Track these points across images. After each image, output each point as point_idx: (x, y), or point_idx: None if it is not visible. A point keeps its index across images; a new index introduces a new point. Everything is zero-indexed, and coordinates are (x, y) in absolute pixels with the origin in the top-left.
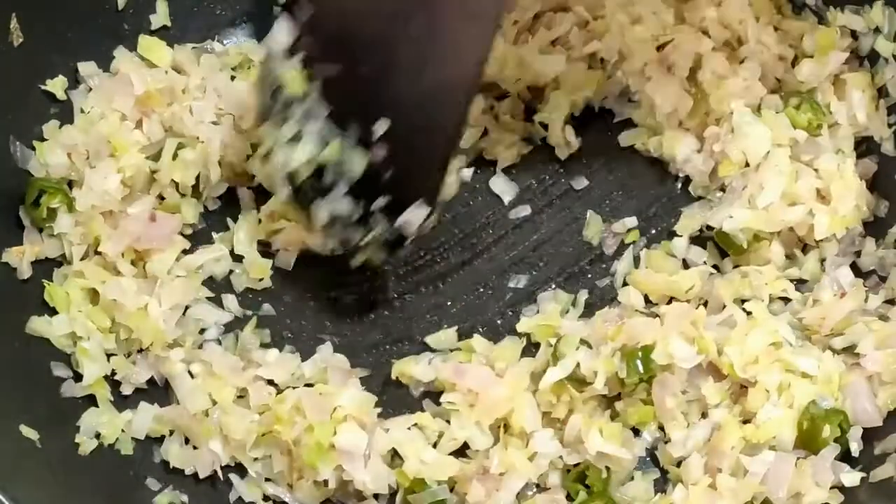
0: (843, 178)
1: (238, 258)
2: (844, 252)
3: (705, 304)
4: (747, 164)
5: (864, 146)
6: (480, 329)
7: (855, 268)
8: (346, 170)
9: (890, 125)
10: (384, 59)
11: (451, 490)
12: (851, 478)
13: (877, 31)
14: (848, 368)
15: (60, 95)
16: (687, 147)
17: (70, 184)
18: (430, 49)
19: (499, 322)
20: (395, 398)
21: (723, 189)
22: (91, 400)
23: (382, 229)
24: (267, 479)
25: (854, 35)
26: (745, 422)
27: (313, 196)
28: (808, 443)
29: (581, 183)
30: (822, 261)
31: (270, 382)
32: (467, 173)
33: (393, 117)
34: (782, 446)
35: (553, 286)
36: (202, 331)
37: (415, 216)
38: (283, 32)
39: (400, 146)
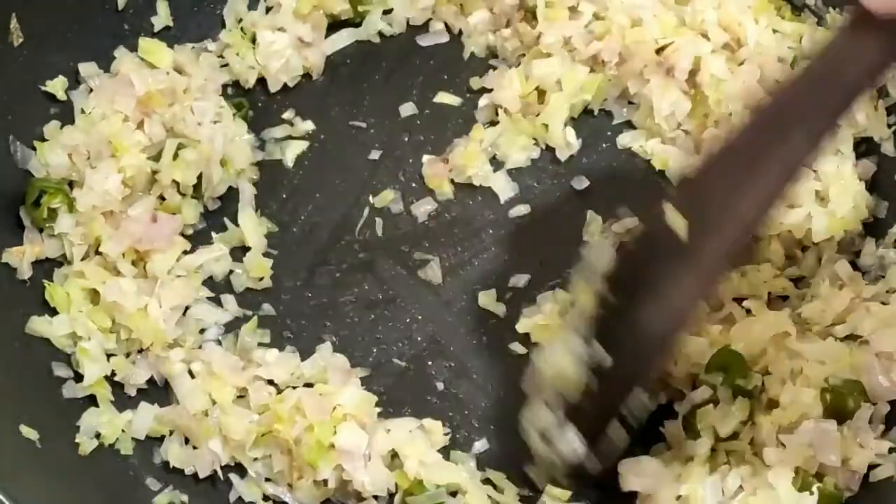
0: (842, 180)
1: (238, 258)
2: (844, 251)
3: None
4: None
5: (864, 147)
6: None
7: (854, 267)
8: (570, 390)
9: (889, 125)
10: (634, 300)
11: (454, 495)
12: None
13: None
14: (856, 348)
15: (61, 96)
16: (677, 160)
17: (71, 184)
18: (655, 290)
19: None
20: (396, 398)
21: None
22: (91, 400)
23: (554, 455)
24: (267, 479)
25: None
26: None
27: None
28: (836, 413)
29: (581, 183)
30: (821, 258)
31: (270, 382)
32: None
33: (613, 357)
34: None
35: (553, 286)
36: (202, 331)
37: (569, 441)
38: (604, 258)
39: (602, 383)
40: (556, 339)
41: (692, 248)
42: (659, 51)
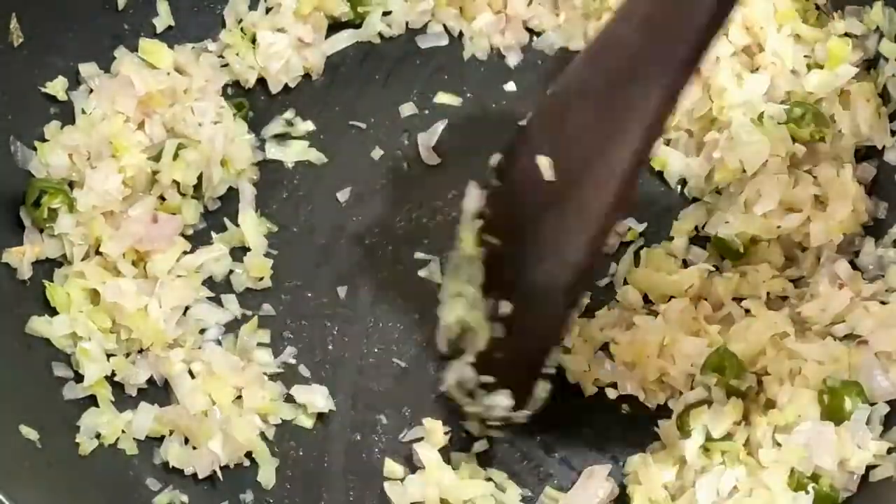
0: (842, 185)
1: (238, 258)
2: (843, 251)
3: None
4: (744, 171)
5: (864, 150)
6: None
7: (854, 266)
8: (476, 340)
9: (893, 132)
10: (522, 246)
11: None
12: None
13: (877, 31)
14: (855, 348)
15: (61, 96)
16: (677, 161)
17: (71, 184)
18: (549, 243)
19: None
20: (396, 398)
21: (719, 192)
22: (91, 400)
23: (480, 407)
24: None
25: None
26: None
27: (451, 354)
28: (833, 415)
29: None
30: (819, 258)
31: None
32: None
33: (514, 303)
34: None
35: None
36: (202, 331)
37: (499, 402)
38: (472, 198)
39: (510, 333)
40: (450, 291)
41: (568, 197)
42: None
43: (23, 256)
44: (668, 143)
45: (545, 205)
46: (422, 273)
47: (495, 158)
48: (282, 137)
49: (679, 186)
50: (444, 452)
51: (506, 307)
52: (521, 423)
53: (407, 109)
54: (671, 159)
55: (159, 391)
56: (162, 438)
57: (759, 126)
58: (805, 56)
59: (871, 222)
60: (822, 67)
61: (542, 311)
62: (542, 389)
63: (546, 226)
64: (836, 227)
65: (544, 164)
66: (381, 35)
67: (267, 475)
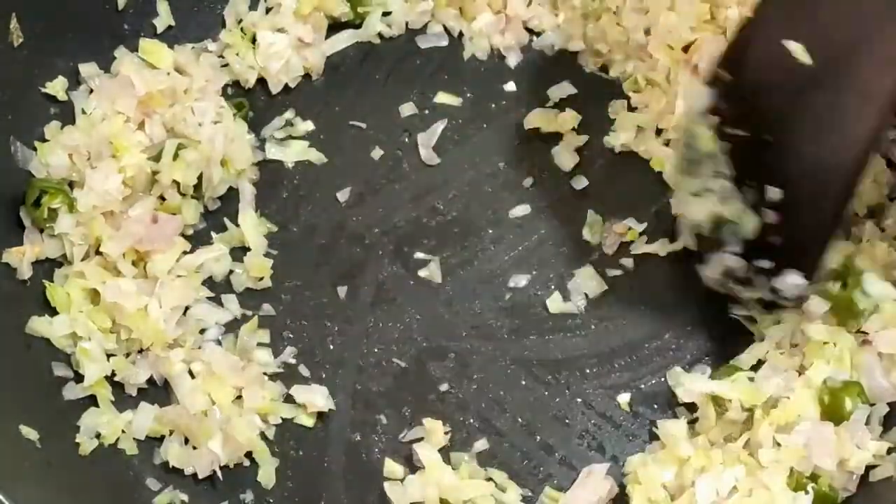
0: None
1: (238, 258)
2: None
3: None
4: None
5: None
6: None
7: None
8: (740, 230)
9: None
10: (785, 130)
11: None
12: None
13: None
14: (859, 346)
15: (61, 96)
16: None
17: (71, 184)
18: (825, 124)
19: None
20: (396, 398)
21: None
22: (91, 400)
23: (762, 291)
24: None
25: None
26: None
27: (710, 248)
28: (833, 415)
29: (581, 183)
30: None
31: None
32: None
33: (785, 187)
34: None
35: (553, 286)
36: (202, 331)
37: (791, 283)
38: (703, 96)
39: (788, 215)
40: (691, 189)
41: (840, 78)
42: (686, 48)
43: (23, 256)
44: (667, 143)
45: (808, 88)
46: (422, 273)
47: (718, 56)
48: (282, 137)
49: None
50: (444, 452)
51: (775, 193)
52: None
53: (407, 109)
54: (669, 161)
55: (159, 391)
56: (162, 438)
57: None
58: None
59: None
60: None
61: (822, 189)
62: (831, 258)
63: (816, 107)
64: (859, 200)
65: (797, 49)
66: (380, 35)
67: (267, 475)
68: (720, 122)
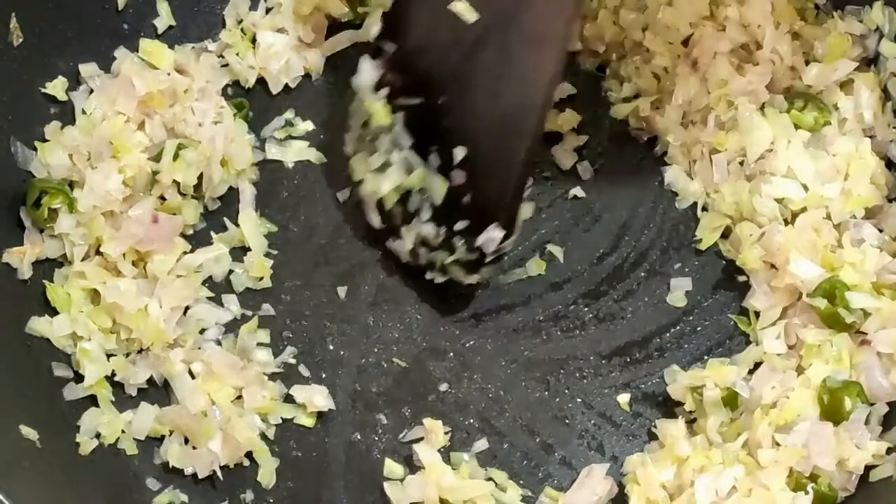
0: (861, 158)
1: (238, 258)
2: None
3: None
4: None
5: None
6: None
7: None
8: (429, 196)
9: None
10: (460, 90)
11: None
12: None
13: (877, 31)
14: (858, 346)
15: (61, 96)
16: (679, 178)
17: (71, 185)
18: (501, 77)
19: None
20: (396, 398)
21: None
22: (91, 400)
23: (463, 252)
24: None
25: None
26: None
27: (401, 221)
28: (832, 415)
29: (582, 184)
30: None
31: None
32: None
33: (469, 145)
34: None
35: (552, 286)
36: (202, 331)
37: (492, 238)
38: (368, 70)
39: (477, 172)
40: (370, 167)
41: (510, 25)
42: (685, 42)
43: (23, 256)
44: (663, 155)
45: (478, 45)
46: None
47: (375, 29)
48: (282, 137)
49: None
50: (444, 452)
51: (460, 152)
52: (508, 252)
53: None
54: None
55: (159, 391)
56: (162, 438)
57: (761, 115)
58: (804, 53)
59: (894, 195)
60: (820, 63)
61: (507, 141)
62: (526, 210)
63: (488, 62)
64: (857, 201)
65: (462, 7)
66: None
67: (267, 475)
68: (390, 94)
